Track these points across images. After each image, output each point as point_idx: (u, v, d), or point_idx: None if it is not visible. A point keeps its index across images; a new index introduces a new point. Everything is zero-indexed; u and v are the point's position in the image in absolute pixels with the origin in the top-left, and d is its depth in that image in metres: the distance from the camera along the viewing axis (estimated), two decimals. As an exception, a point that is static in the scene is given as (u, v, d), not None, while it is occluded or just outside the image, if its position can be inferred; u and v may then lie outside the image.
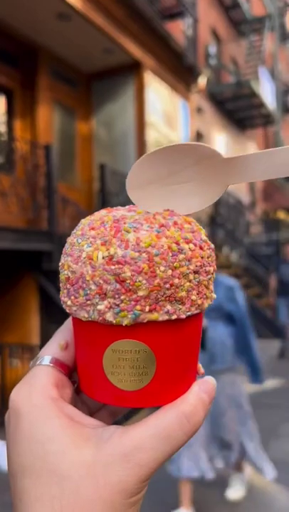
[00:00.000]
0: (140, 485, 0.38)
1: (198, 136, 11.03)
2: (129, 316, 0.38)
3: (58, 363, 0.45)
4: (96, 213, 0.44)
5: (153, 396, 0.42)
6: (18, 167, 6.16)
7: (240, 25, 14.44)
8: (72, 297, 0.41)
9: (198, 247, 0.41)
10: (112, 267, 0.38)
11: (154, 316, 0.39)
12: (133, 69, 8.16)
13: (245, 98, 12.66)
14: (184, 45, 9.69)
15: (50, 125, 7.61)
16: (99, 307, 0.39)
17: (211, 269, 0.43)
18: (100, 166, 7.44)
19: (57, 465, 0.37)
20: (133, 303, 0.38)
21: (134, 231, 0.39)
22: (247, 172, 0.40)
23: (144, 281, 0.38)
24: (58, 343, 0.46)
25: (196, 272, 0.40)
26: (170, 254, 0.38)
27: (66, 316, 0.46)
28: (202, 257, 0.41)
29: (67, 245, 0.43)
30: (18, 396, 0.41)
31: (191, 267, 0.40)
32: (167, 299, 0.39)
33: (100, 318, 0.39)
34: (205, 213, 11.14)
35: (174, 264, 0.38)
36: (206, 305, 0.42)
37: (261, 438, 4.53)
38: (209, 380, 0.44)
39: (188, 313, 0.40)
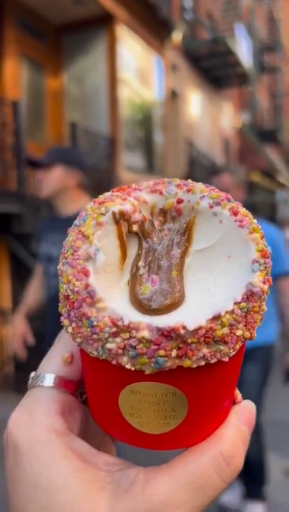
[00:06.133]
0: None
1: (173, 94, 10.75)
2: (152, 364, 0.28)
3: (62, 382, 0.36)
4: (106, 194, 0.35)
5: (181, 437, 0.33)
6: (-16, 125, 5.89)
7: (217, -23, 13.92)
8: (74, 325, 0.31)
9: None
10: None
11: (186, 362, 0.29)
12: (105, 22, 7.81)
13: (221, 56, 12.34)
14: (158, -4, 9.28)
15: (18, 80, 7.26)
16: (109, 346, 0.29)
17: (266, 287, 0.31)
18: (70, 124, 7.19)
19: None
20: (154, 346, 0.28)
21: None
22: None
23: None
24: (61, 356, 0.37)
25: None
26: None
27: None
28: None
29: (67, 246, 0.32)
30: (16, 428, 0.33)
31: None
32: (202, 340, 0.29)
33: (114, 362, 0.29)
34: (179, 175, 11.02)
35: None
36: (255, 333, 0.32)
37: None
38: (249, 406, 0.36)
39: (233, 353, 0.30)
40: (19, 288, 5.71)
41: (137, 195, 0.36)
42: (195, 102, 12.36)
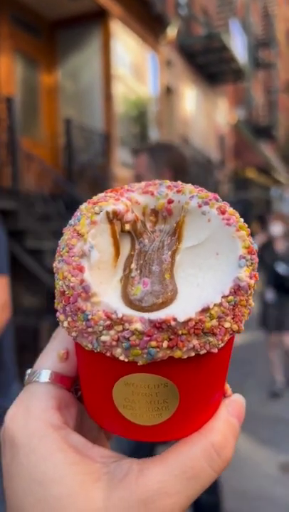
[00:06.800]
0: None
1: (168, 90, 10.73)
2: (144, 355, 0.30)
3: (58, 378, 0.37)
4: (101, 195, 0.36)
5: (173, 429, 0.35)
6: (-22, 121, 5.86)
7: (212, -27, 13.88)
8: (70, 319, 0.32)
9: None
10: None
11: (177, 353, 0.30)
12: (99, 17, 7.78)
13: (216, 51, 12.32)
14: (152, -8, 9.24)
15: (12, 76, 7.22)
16: (103, 338, 0.30)
17: (252, 282, 0.33)
18: (65, 121, 7.17)
19: None
20: (146, 338, 0.30)
21: None
22: None
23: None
24: (57, 353, 0.39)
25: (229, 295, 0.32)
26: None
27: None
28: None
29: (62, 244, 0.33)
30: (13, 423, 0.34)
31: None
32: (191, 331, 0.30)
33: (108, 354, 0.31)
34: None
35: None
36: (242, 326, 0.34)
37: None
38: (238, 400, 0.38)
39: (222, 345, 0.32)
40: (13, 285, 5.70)
41: (130, 196, 0.37)
42: (190, 98, 12.35)
